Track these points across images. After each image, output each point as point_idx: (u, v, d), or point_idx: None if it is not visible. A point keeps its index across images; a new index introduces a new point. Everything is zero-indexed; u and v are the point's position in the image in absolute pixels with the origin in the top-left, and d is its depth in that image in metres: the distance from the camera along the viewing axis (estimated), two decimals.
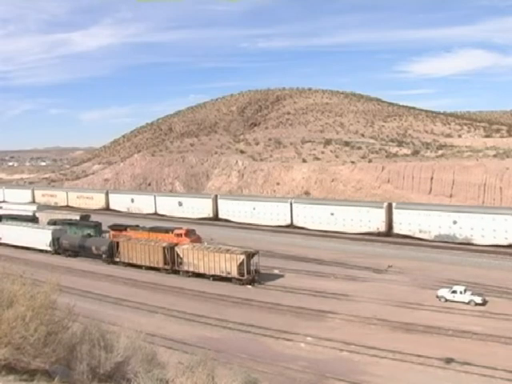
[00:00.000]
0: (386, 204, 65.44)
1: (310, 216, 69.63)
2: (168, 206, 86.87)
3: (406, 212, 62.09)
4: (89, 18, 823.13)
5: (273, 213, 73.58)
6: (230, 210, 79.02)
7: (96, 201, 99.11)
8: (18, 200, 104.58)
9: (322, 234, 66.47)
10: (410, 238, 60.09)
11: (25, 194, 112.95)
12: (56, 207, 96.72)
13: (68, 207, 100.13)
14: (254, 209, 75.51)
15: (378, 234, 63.09)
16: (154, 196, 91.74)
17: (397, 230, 62.21)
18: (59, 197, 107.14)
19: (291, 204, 72.37)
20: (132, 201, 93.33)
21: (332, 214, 67.34)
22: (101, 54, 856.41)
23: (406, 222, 61.43)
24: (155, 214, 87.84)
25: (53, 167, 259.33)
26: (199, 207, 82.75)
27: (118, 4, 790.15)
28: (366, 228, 64.61)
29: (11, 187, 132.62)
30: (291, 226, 70.99)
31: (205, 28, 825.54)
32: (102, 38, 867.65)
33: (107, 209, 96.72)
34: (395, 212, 63.01)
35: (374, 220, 64.29)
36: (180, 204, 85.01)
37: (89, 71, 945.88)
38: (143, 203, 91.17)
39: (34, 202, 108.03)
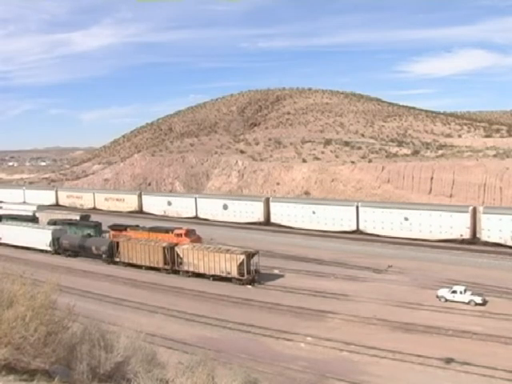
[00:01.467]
0: (471, 208, 59.71)
1: (380, 221, 62.89)
2: (211, 209, 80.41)
3: (496, 217, 56.02)
4: (89, 17, 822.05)
5: (336, 217, 66.65)
6: (285, 213, 72.11)
7: (128, 203, 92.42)
8: (40, 202, 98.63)
9: (377, 239, 61.79)
10: (501, 247, 54.21)
11: (47, 196, 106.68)
12: (73, 209, 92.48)
13: (95, 210, 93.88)
14: (314, 213, 68.55)
15: (462, 242, 57.20)
16: (195, 198, 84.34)
17: (484, 237, 56.13)
18: (85, 198, 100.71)
19: (357, 208, 65.53)
20: (169, 203, 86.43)
21: (406, 219, 60.60)
22: (101, 54, 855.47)
23: (496, 229, 55.32)
24: (196, 217, 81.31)
25: (53, 167, 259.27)
26: (248, 211, 75.96)
27: (118, 4, 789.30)
28: (446, 235, 58.42)
29: (32, 188, 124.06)
30: (357, 231, 64.70)
31: (205, 28, 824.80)
32: (102, 38, 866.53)
33: (140, 212, 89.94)
34: (483, 217, 56.87)
35: (456, 226, 57.96)
36: (225, 207, 78.52)
37: (89, 71, 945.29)
38: (182, 206, 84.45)
39: (57, 204, 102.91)
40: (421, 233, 59.79)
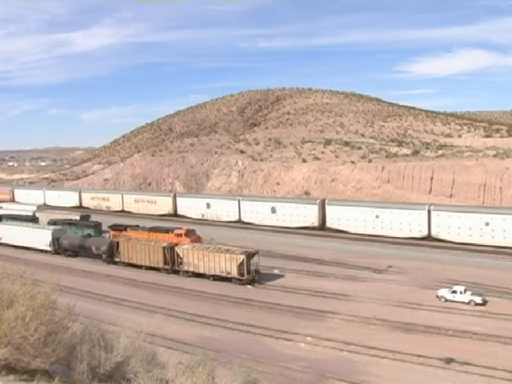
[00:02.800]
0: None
1: (456, 226, 57.06)
2: (257, 212, 74.14)
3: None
4: (89, 17, 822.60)
5: (403, 222, 60.40)
6: (343, 217, 65.72)
7: (160, 205, 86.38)
8: (61, 204, 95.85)
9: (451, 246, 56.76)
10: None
11: (70, 197, 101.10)
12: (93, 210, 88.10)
13: (123, 212, 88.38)
14: (377, 217, 62.35)
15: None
16: (238, 201, 77.40)
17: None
18: (112, 200, 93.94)
19: (429, 211, 59.25)
20: (208, 206, 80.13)
21: (487, 224, 54.83)
22: (101, 54, 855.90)
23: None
24: (239, 221, 75.46)
25: (53, 167, 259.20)
26: (300, 214, 69.57)
27: (118, 4, 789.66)
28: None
29: (53, 189, 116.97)
30: (429, 237, 58.82)
31: (205, 28, 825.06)
32: (102, 38, 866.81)
33: (175, 215, 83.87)
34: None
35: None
36: (273, 210, 72.19)
37: (89, 71, 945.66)
38: (223, 209, 78.33)
39: (81, 206, 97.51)
40: (505, 240, 53.90)
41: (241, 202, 76.78)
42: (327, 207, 68.11)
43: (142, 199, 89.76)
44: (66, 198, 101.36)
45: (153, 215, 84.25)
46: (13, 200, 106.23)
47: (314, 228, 67.61)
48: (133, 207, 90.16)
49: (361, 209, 64.92)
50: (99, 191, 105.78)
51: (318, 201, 70.26)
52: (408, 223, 60.27)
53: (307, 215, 69.10)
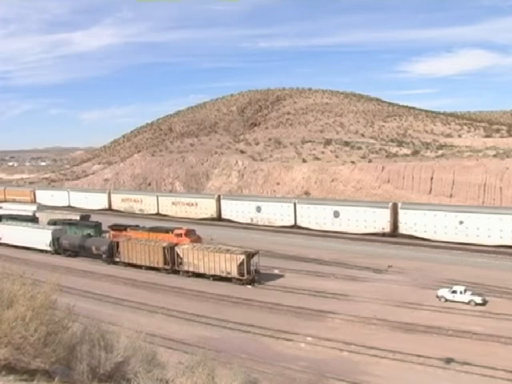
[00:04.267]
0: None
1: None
2: (316, 216, 67.87)
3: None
4: (90, 17, 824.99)
5: (492, 228, 55.02)
6: (420, 223, 59.84)
7: (201, 208, 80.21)
8: (88, 206, 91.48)
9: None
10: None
11: (98, 199, 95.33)
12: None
13: (158, 216, 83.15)
14: (461, 223, 56.52)
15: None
16: (294, 204, 70.72)
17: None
18: (146, 202, 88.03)
19: None
20: (258, 209, 73.40)
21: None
22: (101, 54, 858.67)
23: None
24: (294, 226, 69.21)
25: (53, 167, 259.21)
26: (368, 219, 63.52)
27: (118, 4, 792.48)
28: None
29: (79, 190, 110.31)
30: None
31: (205, 28, 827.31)
32: (102, 38, 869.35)
33: (219, 219, 77.55)
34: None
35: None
36: (336, 215, 65.78)
37: (89, 71, 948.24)
38: (276, 213, 71.68)
39: (110, 208, 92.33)
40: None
41: (297, 205, 70.05)
42: (400, 211, 61.98)
43: (181, 201, 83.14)
44: (93, 199, 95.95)
45: (193, 219, 77.84)
46: (34, 201, 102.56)
47: (383, 234, 61.99)
48: (170, 210, 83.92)
49: (442, 213, 59.06)
50: (132, 192, 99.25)
51: (390, 204, 64.03)
52: (499, 229, 54.41)
53: (377, 220, 62.85)
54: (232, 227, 67.10)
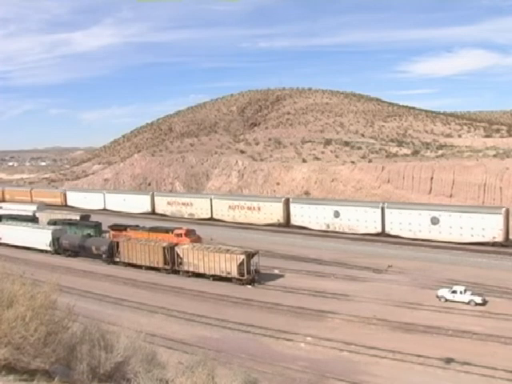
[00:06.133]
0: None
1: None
2: (409, 223, 59.19)
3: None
4: (90, 17, 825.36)
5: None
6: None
7: (266, 213, 71.80)
8: (128, 209, 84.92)
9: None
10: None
11: (139, 202, 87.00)
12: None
13: (212, 221, 75.69)
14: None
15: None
16: (382, 208, 61.79)
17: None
18: (197, 206, 79.52)
19: None
20: (336, 214, 64.85)
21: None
22: (101, 54, 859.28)
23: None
24: (382, 234, 61.16)
25: (53, 167, 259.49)
26: (475, 226, 55.05)
27: (119, 4, 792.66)
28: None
29: (116, 192, 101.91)
30: None
31: (205, 28, 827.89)
32: (102, 38, 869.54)
33: (287, 225, 69.43)
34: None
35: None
36: (435, 221, 57.36)
37: (89, 71, 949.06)
38: (359, 218, 63.18)
39: (153, 212, 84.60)
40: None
41: (386, 210, 61.38)
42: None
43: (240, 205, 74.63)
44: (133, 202, 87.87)
45: (255, 225, 70.70)
46: (64, 204, 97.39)
47: (494, 244, 53.75)
48: (226, 215, 75.54)
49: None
50: (179, 195, 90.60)
51: (503, 209, 55.44)
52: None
53: (485, 227, 54.44)
54: (304, 235, 61.62)
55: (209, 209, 78.35)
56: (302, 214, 68.58)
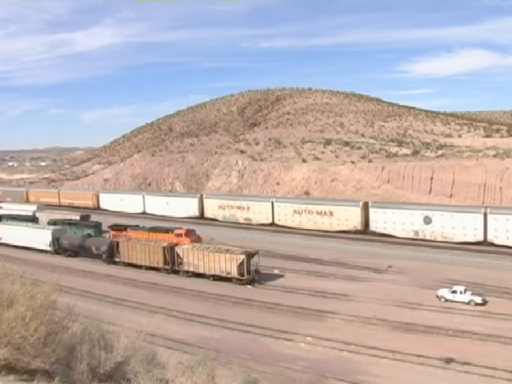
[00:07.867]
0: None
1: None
2: (507, 229, 52.74)
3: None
4: (90, 17, 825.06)
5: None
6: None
7: (340, 219, 64.48)
8: (172, 213, 78.15)
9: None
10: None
11: (186, 205, 79.60)
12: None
13: (274, 226, 69.00)
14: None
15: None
16: (484, 213, 54.84)
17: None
18: (254, 210, 72.25)
19: None
20: (427, 220, 57.89)
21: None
22: (102, 54, 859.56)
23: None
24: (484, 242, 54.31)
25: (53, 167, 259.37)
26: None
27: (119, 4, 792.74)
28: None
29: (157, 194, 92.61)
30: None
31: (205, 28, 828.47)
32: (102, 38, 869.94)
33: (364, 231, 62.93)
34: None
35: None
36: None
37: (89, 71, 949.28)
38: (455, 225, 56.04)
39: (202, 216, 77.44)
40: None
41: (488, 216, 54.04)
42: None
43: (308, 209, 66.80)
44: (178, 205, 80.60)
45: (327, 232, 64.30)
46: (97, 207, 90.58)
47: None
48: (290, 220, 68.42)
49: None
50: (233, 197, 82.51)
51: None
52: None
53: None
54: (388, 243, 57.09)
55: (269, 213, 71.03)
56: (384, 220, 61.39)
